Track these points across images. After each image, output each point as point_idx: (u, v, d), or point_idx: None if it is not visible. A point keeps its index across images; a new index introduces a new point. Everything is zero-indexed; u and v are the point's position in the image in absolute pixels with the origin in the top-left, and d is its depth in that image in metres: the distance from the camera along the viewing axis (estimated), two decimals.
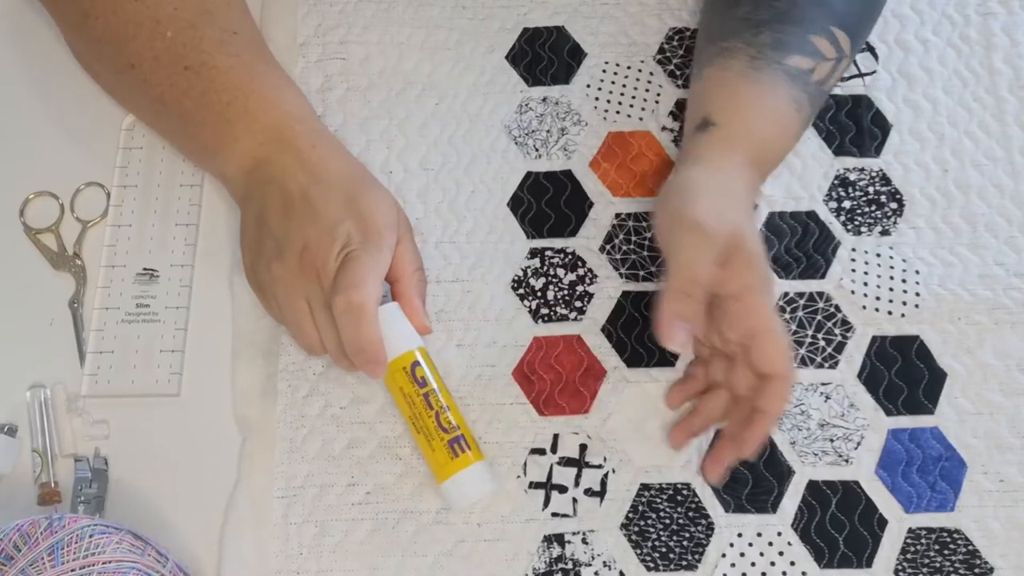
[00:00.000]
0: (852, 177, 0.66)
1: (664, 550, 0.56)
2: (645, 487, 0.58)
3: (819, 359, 0.61)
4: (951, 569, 0.56)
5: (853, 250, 0.64)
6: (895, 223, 0.65)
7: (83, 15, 0.59)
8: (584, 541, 0.56)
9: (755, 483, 0.58)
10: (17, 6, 0.70)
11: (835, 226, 0.65)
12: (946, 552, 0.56)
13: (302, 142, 0.58)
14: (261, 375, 0.60)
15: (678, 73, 0.69)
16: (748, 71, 0.60)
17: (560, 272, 0.63)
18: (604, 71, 0.69)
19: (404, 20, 0.71)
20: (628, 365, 0.61)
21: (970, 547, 0.56)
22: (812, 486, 0.58)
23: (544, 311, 0.62)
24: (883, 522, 0.57)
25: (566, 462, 0.58)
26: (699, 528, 0.57)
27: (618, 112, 0.68)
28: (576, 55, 0.70)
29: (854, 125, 0.68)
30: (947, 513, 0.57)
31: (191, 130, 0.60)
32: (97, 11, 0.59)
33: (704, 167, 0.58)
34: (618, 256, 0.64)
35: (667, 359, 0.60)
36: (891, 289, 0.63)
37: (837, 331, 0.62)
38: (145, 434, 0.59)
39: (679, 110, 0.68)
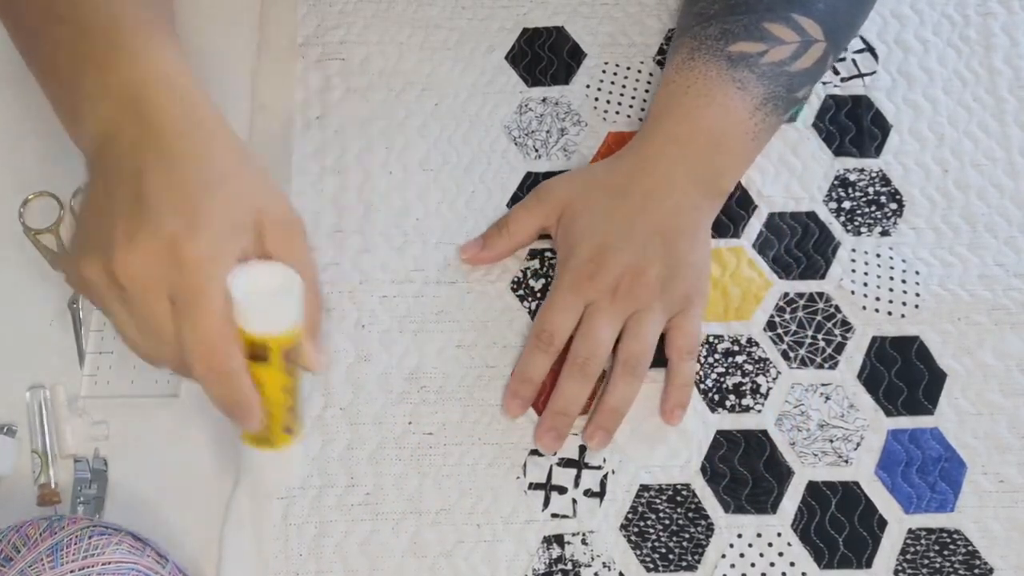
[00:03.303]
0: (852, 177, 0.66)
1: (664, 551, 0.56)
2: (644, 488, 0.58)
3: (819, 359, 0.61)
4: (951, 570, 0.56)
5: (853, 250, 0.64)
6: (895, 223, 0.65)
7: None
8: (584, 542, 0.56)
9: (755, 484, 0.58)
10: None
11: (835, 226, 0.65)
12: (946, 553, 0.56)
13: (161, 111, 0.47)
14: None
15: None
16: (686, 62, 0.62)
17: None
18: (604, 71, 0.69)
19: (404, 20, 0.71)
20: None
21: (970, 548, 0.56)
22: (812, 487, 0.58)
23: None
24: (883, 523, 0.57)
25: (565, 463, 0.58)
26: (699, 529, 0.57)
27: (618, 113, 0.68)
28: (576, 55, 0.70)
29: (854, 125, 0.68)
30: (947, 514, 0.57)
31: (60, 92, 0.52)
32: None
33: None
34: None
35: (667, 360, 0.60)
36: (891, 290, 0.63)
37: (837, 332, 0.62)
38: (145, 435, 0.59)
39: None
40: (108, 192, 0.46)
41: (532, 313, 0.62)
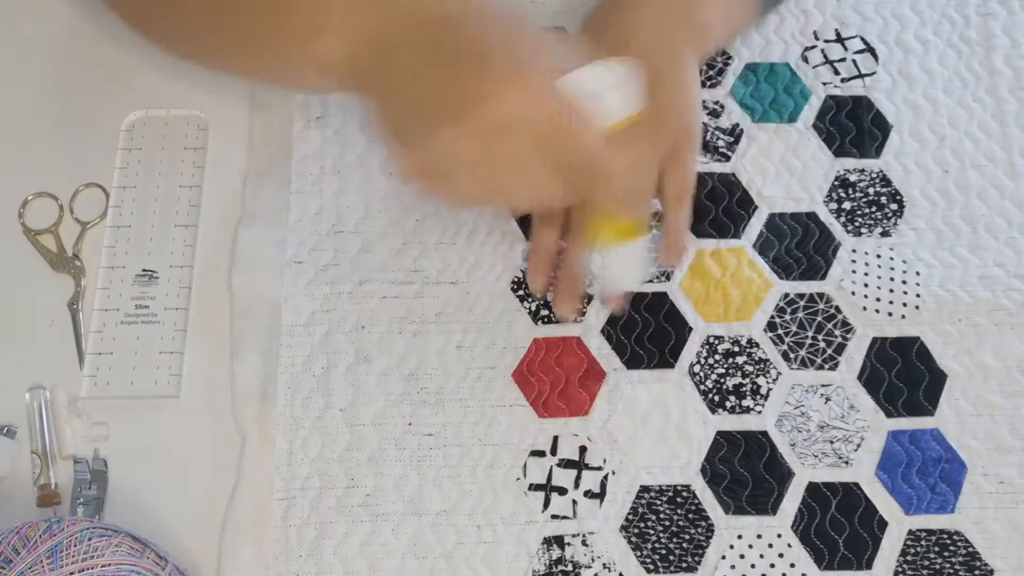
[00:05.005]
0: (852, 178, 0.66)
1: (664, 552, 0.56)
2: (645, 489, 0.58)
3: (819, 360, 0.61)
4: (951, 571, 0.56)
5: (853, 251, 0.64)
6: (895, 224, 0.65)
7: None
8: (584, 543, 0.56)
9: (755, 485, 0.58)
10: (17, 6, 0.70)
11: (835, 227, 0.65)
12: (946, 554, 0.56)
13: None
14: (260, 376, 0.60)
15: None
16: None
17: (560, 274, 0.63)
18: None
19: None
20: (628, 367, 0.60)
21: (970, 549, 0.56)
22: (812, 488, 0.58)
23: (544, 312, 0.62)
24: (883, 524, 0.57)
25: (566, 464, 0.58)
26: (699, 530, 0.57)
27: None
28: None
29: (854, 126, 0.68)
30: (947, 515, 0.57)
31: (275, 22, 0.51)
32: None
33: None
34: None
35: (667, 361, 0.60)
36: (891, 290, 0.63)
37: (837, 332, 0.62)
38: (144, 436, 0.59)
39: None
40: (425, 59, 0.48)
41: (532, 314, 0.62)
